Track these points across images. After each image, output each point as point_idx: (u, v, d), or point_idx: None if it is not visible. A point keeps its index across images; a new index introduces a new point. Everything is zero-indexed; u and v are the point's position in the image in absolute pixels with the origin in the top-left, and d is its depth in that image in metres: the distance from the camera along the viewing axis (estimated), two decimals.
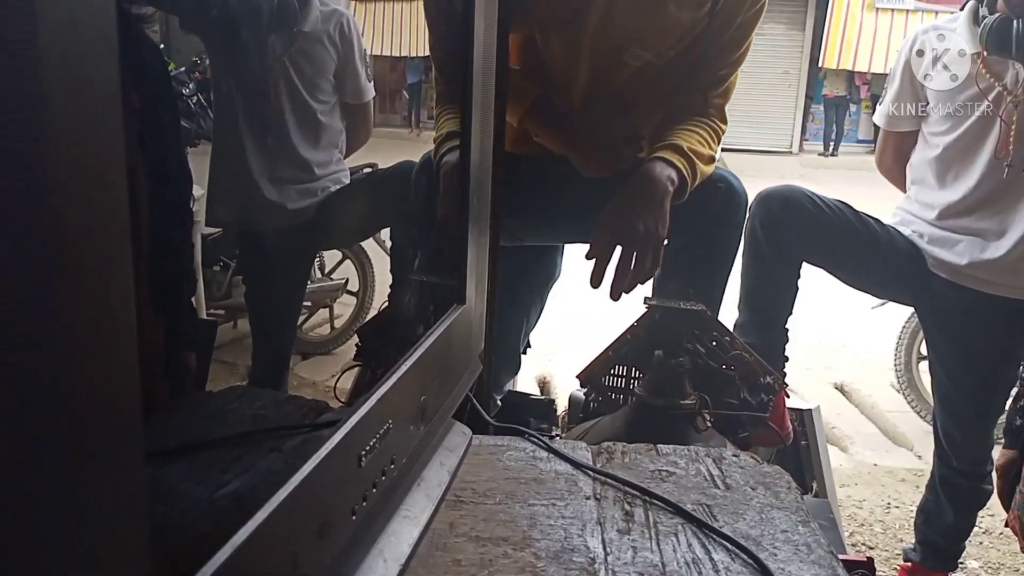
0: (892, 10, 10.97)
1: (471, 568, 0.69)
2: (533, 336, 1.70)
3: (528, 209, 1.36)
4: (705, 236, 1.38)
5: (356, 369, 0.70)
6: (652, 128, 1.42)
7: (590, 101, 1.38)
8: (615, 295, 1.26)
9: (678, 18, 1.32)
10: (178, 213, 0.38)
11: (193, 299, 0.43)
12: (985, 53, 1.58)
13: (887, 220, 1.78)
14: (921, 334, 2.77)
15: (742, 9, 1.35)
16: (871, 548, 2.36)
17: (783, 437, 1.33)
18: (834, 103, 12.21)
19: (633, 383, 1.31)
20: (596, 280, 1.24)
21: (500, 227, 1.04)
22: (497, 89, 0.86)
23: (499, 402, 1.38)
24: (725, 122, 1.43)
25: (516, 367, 1.66)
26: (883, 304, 2.41)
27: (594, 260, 1.23)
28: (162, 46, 0.33)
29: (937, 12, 9.46)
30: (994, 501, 1.82)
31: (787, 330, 1.59)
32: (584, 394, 1.38)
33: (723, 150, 2.46)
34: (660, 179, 1.27)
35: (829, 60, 11.06)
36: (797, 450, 1.58)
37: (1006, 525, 1.52)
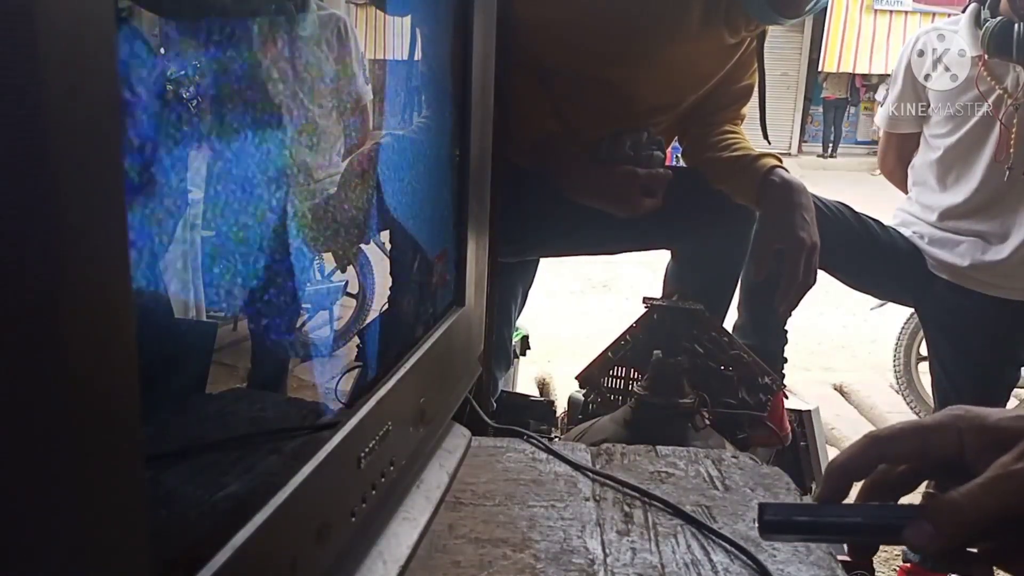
0: (891, 12, 10.99)
1: (470, 569, 0.69)
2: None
3: (544, 224, 1.34)
4: (721, 236, 1.38)
5: (356, 371, 0.70)
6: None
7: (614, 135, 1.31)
8: (788, 310, 1.23)
9: (725, 58, 1.33)
10: (175, 215, 0.38)
11: (193, 301, 0.43)
12: (986, 56, 1.58)
13: (887, 222, 1.78)
14: (921, 335, 2.77)
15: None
16: None
17: (782, 438, 1.34)
18: (833, 105, 12.22)
19: (632, 384, 1.31)
20: (789, 300, 1.21)
21: (498, 237, 1.03)
22: (496, 92, 0.86)
23: (493, 403, 1.38)
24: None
25: (508, 364, 1.65)
26: (883, 305, 2.41)
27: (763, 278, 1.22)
28: (162, 50, 0.33)
29: (935, 14, 9.50)
30: None
31: (786, 332, 1.59)
32: (583, 395, 1.38)
33: None
34: (798, 184, 1.25)
35: (829, 63, 11.08)
36: (796, 451, 1.58)
37: None
